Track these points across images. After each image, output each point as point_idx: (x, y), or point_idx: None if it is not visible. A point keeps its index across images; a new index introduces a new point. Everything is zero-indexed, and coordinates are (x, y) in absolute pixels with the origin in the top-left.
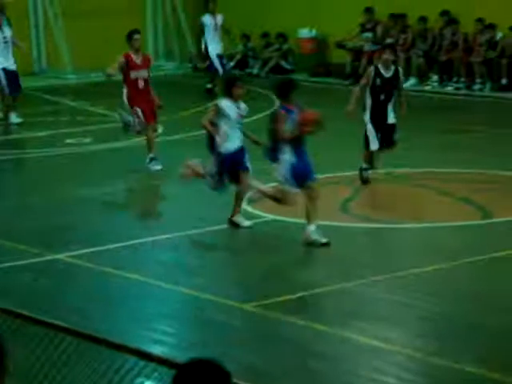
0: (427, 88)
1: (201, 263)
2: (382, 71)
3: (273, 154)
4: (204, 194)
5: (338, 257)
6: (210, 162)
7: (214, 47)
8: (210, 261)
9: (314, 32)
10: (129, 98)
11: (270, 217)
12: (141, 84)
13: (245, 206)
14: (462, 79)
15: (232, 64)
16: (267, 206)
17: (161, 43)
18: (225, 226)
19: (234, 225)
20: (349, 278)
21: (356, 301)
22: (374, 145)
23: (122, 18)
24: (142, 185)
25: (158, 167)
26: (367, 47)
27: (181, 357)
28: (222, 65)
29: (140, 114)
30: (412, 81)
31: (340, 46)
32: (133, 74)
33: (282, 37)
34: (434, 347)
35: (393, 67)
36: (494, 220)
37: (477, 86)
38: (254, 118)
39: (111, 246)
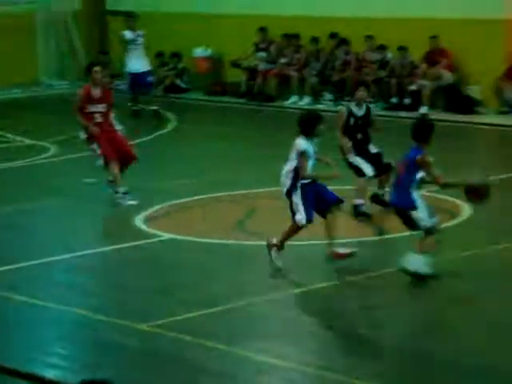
0: (321, 107)
1: (95, 284)
2: (355, 110)
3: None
4: (96, 216)
5: (232, 275)
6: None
7: (134, 64)
8: (104, 281)
9: (209, 51)
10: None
11: (166, 236)
12: (98, 118)
13: (141, 224)
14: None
15: (126, 83)
16: (162, 224)
17: (53, 61)
18: (125, 245)
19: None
20: (242, 295)
21: (249, 319)
22: (368, 170)
23: (11, 36)
24: (36, 205)
25: (133, 202)
26: (261, 66)
27: (73, 379)
28: (144, 82)
29: (97, 148)
30: (306, 99)
31: (235, 65)
32: (90, 108)
33: (177, 56)
34: (328, 363)
35: (364, 105)
36: (385, 236)
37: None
38: (150, 137)
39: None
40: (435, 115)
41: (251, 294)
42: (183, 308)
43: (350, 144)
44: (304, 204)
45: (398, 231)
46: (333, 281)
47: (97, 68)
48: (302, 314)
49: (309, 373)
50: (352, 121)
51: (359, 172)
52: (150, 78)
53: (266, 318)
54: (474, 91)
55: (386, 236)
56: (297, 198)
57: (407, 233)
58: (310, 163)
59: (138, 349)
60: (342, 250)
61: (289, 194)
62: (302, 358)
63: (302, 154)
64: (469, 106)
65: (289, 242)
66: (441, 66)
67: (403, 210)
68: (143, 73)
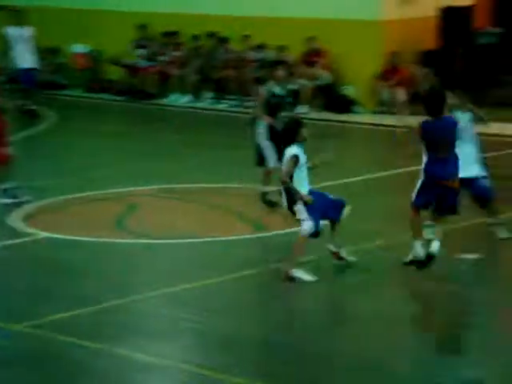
0: (202, 105)
1: None
2: (275, 89)
3: None
4: None
5: (112, 273)
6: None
7: (23, 60)
8: None
9: (88, 47)
10: None
11: (44, 234)
12: None
13: (19, 223)
14: (236, 96)
15: (2, 79)
16: (39, 223)
17: None
18: None
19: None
20: (122, 294)
21: (129, 317)
22: (271, 160)
23: None
24: None
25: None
26: (141, 64)
27: None
28: (31, 79)
29: None
30: (187, 98)
31: (114, 62)
32: None
33: (54, 51)
34: (207, 360)
35: (285, 85)
36: (266, 233)
37: (250, 103)
38: (25, 134)
39: None
40: (314, 114)
41: (131, 292)
42: (62, 307)
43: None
44: (309, 212)
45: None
46: (214, 278)
47: None
48: (181, 311)
49: (187, 370)
50: (273, 100)
51: (262, 159)
52: (36, 74)
53: (146, 316)
54: (350, 91)
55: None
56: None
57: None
58: (304, 172)
59: (14, 349)
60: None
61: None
62: (181, 356)
63: (292, 158)
64: (345, 105)
65: (178, 241)
66: (318, 66)
67: None
68: (30, 70)
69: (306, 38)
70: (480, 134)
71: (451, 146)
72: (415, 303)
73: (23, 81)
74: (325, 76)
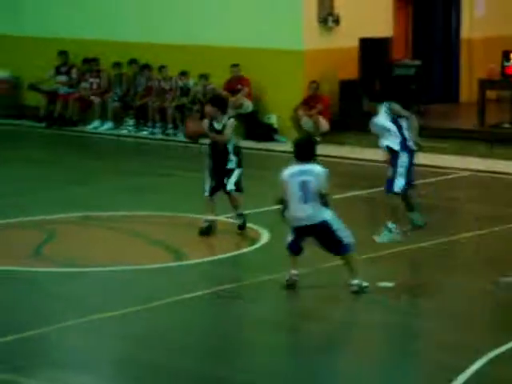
0: (123, 132)
1: None
2: (214, 124)
3: None
4: None
5: (28, 302)
6: None
7: None
8: None
9: (6, 73)
10: None
11: None
12: None
13: None
14: (157, 124)
15: None
16: None
17: None
18: None
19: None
20: (40, 324)
21: (47, 348)
22: (207, 187)
23: None
24: None
25: None
26: (62, 90)
27: None
28: None
29: None
30: (108, 125)
31: (34, 88)
32: None
33: None
34: None
35: (225, 118)
36: (187, 262)
37: (170, 131)
38: None
39: None
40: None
41: (47, 321)
42: None
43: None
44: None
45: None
46: (134, 306)
47: None
48: (97, 341)
49: None
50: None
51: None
52: None
53: (62, 346)
54: (273, 120)
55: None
56: None
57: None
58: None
59: None
60: None
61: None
62: None
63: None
64: (268, 134)
65: (98, 269)
66: (241, 95)
67: None
68: None
69: (229, 66)
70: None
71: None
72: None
73: None
74: (247, 104)
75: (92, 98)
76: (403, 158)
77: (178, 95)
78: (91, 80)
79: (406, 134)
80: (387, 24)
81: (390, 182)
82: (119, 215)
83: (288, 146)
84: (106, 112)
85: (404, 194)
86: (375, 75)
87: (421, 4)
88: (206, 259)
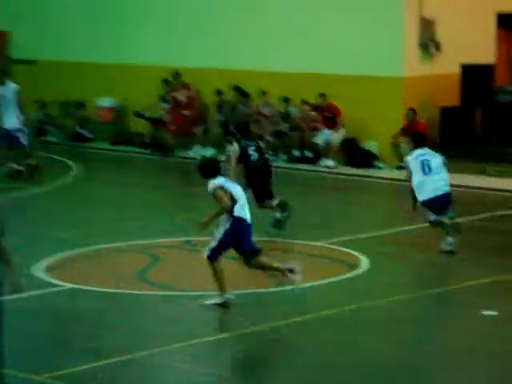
0: (224, 157)
1: None
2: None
3: None
4: None
5: (131, 326)
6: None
7: (7, 120)
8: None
9: (113, 101)
10: None
11: (67, 285)
12: None
13: (43, 273)
14: None
15: (29, 131)
16: (62, 274)
17: None
18: (23, 294)
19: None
20: (140, 347)
21: (145, 371)
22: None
23: None
24: None
25: None
26: (166, 117)
27: None
28: (13, 140)
29: None
30: (210, 150)
31: (139, 115)
32: None
33: (81, 105)
34: None
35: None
36: (292, 287)
37: (269, 156)
38: (53, 185)
39: None
40: (337, 169)
41: (148, 345)
42: (80, 359)
43: None
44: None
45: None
46: (228, 332)
47: None
48: (196, 365)
49: None
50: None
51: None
52: (20, 135)
53: (161, 370)
54: (372, 146)
55: None
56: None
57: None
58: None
59: None
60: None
61: None
62: None
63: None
64: (367, 160)
65: (191, 293)
66: (340, 121)
67: None
68: (12, 130)
69: (319, 94)
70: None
71: None
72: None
73: (6, 142)
74: (343, 131)
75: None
76: None
77: (277, 121)
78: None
79: None
80: (489, 50)
81: None
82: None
83: (386, 173)
84: (207, 138)
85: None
86: (477, 102)
87: None
88: (308, 284)
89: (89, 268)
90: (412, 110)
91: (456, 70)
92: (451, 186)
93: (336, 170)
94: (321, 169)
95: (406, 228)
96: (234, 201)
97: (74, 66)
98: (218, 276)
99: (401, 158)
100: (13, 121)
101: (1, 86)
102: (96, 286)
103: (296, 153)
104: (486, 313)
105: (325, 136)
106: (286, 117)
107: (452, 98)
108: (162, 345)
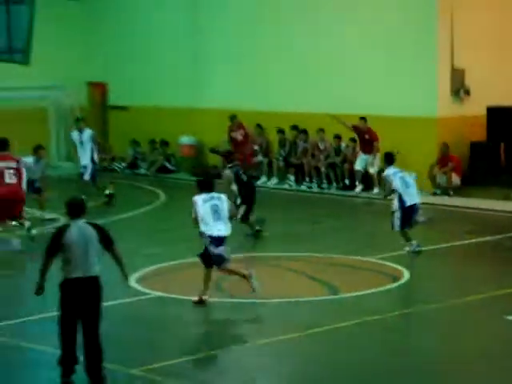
0: (286, 186)
1: None
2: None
3: None
4: None
5: (213, 328)
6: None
7: (82, 159)
8: (103, 332)
9: (192, 139)
10: None
11: (156, 294)
12: None
13: (136, 283)
14: (314, 179)
15: (124, 165)
16: (152, 284)
17: (62, 147)
18: (120, 301)
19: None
20: (223, 344)
21: (221, 367)
22: None
23: (27, 125)
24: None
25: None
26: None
27: None
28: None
29: None
30: (274, 180)
31: (213, 151)
32: None
33: (166, 143)
34: None
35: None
36: (341, 295)
37: (325, 185)
38: (142, 210)
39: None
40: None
41: (227, 343)
42: (167, 355)
43: None
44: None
45: None
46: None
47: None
48: (274, 361)
49: None
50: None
51: None
52: (83, 171)
53: (236, 366)
54: (414, 175)
55: None
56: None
57: None
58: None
59: None
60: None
61: None
62: None
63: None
64: None
65: (255, 300)
66: (375, 146)
67: None
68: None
69: (360, 117)
70: None
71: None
72: None
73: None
74: (378, 156)
75: (260, 157)
76: None
77: (331, 155)
78: (260, 142)
79: None
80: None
81: None
82: (280, 255)
83: (425, 198)
84: (271, 170)
85: None
86: (502, 138)
87: None
88: (355, 293)
89: (174, 279)
90: (445, 144)
91: (483, 111)
92: (481, 209)
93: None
94: (370, 195)
95: (444, 245)
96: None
97: (159, 110)
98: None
99: (436, 185)
100: (88, 159)
101: (79, 133)
102: (179, 294)
103: (347, 181)
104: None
105: (363, 161)
106: (337, 151)
107: (480, 135)
108: (232, 343)
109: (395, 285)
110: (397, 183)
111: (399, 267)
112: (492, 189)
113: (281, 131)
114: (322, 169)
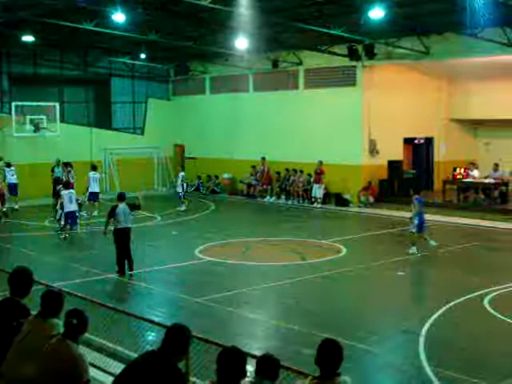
0: (280, 202)
1: (177, 278)
2: None
3: None
4: (178, 249)
5: (238, 278)
6: None
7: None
8: (180, 278)
9: (229, 175)
10: None
11: (207, 259)
12: None
13: (198, 253)
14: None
15: (192, 189)
16: (208, 254)
17: (160, 178)
18: (191, 262)
19: None
20: (246, 286)
21: (248, 300)
22: None
23: (141, 167)
24: (155, 243)
25: None
26: (253, 183)
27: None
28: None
29: None
30: (273, 197)
31: (242, 182)
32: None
33: (216, 177)
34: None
35: None
36: (308, 261)
37: (300, 201)
38: (202, 213)
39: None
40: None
41: (249, 284)
42: (217, 289)
43: None
44: None
45: None
46: (274, 282)
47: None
48: (279, 298)
49: None
50: None
51: None
52: (182, 194)
53: (253, 299)
54: (348, 196)
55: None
56: None
57: None
58: None
59: (201, 311)
60: None
61: None
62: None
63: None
64: (346, 203)
65: (265, 263)
66: (322, 178)
67: None
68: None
69: (318, 161)
70: None
71: None
72: None
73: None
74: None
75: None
76: None
77: (305, 184)
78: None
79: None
80: (400, 153)
81: None
82: (282, 239)
83: (354, 209)
84: (272, 192)
85: None
86: (395, 177)
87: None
88: (320, 259)
89: (219, 251)
90: (368, 180)
91: (385, 162)
92: (384, 215)
93: (330, 208)
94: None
95: (364, 234)
96: None
97: (212, 159)
98: None
99: (361, 201)
100: (97, 188)
101: (179, 175)
102: (221, 259)
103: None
104: None
105: (317, 188)
106: (308, 182)
107: (384, 175)
108: (246, 286)
109: (338, 256)
110: None
111: (340, 246)
112: (390, 204)
113: (278, 173)
114: (300, 192)
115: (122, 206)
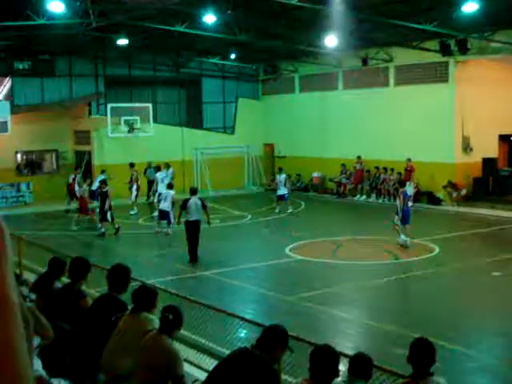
0: (370, 200)
1: (265, 276)
2: None
3: None
4: (269, 248)
5: (326, 278)
6: None
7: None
8: (269, 276)
9: (320, 173)
10: None
11: (298, 257)
12: None
13: (287, 251)
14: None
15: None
16: (298, 252)
17: (251, 176)
18: (280, 260)
19: None
20: (335, 284)
21: (331, 298)
22: None
23: (232, 166)
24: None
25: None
26: (343, 181)
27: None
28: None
29: None
30: (363, 197)
31: (331, 180)
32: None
33: (300, 176)
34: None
35: None
36: (401, 260)
37: (385, 199)
38: (295, 210)
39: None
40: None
41: (340, 283)
42: (308, 288)
43: None
44: None
45: None
46: (354, 283)
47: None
48: (370, 298)
49: None
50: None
51: None
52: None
53: (343, 298)
54: (441, 194)
55: None
56: None
57: None
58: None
59: (290, 309)
60: None
61: None
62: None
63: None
64: (438, 201)
65: (351, 262)
66: (412, 176)
67: None
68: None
69: (407, 158)
70: None
71: None
72: None
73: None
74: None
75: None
76: None
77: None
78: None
79: None
80: (495, 150)
81: None
82: (373, 238)
83: (447, 208)
84: (362, 191)
85: None
86: (490, 174)
87: None
88: (412, 259)
89: (309, 249)
90: (448, 180)
91: (480, 159)
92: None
93: (422, 207)
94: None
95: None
96: None
97: (303, 157)
98: None
99: (450, 196)
100: (164, 188)
101: (278, 176)
102: (311, 257)
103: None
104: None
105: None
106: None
107: (478, 173)
108: (341, 283)
109: (431, 255)
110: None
111: (433, 245)
112: (485, 203)
113: (367, 171)
114: (391, 190)
115: (193, 199)
